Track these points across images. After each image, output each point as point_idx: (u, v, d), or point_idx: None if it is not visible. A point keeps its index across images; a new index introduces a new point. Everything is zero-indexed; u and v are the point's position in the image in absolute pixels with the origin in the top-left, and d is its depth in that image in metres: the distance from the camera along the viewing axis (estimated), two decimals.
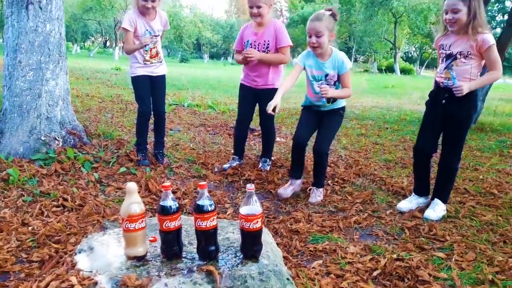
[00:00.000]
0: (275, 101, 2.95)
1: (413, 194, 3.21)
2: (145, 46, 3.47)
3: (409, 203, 3.12)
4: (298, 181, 3.34)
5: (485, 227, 2.82)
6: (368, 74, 31.97)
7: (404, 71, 36.46)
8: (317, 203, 3.15)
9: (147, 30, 3.50)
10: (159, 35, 3.61)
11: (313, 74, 3.11)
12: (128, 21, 3.44)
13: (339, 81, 3.11)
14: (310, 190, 3.30)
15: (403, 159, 4.64)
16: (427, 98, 3.07)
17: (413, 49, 48.60)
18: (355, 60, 49.38)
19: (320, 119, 3.24)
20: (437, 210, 2.97)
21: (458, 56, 2.74)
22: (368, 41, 36.30)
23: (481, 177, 4.07)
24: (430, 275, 2.13)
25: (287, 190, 3.26)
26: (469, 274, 2.16)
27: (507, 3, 36.24)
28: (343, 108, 3.27)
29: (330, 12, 2.95)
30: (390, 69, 36.19)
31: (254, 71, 3.58)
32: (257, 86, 3.60)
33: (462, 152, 5.09)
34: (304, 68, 3.13)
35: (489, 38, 2.64)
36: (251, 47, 3.50)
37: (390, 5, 30.96)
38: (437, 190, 3.09)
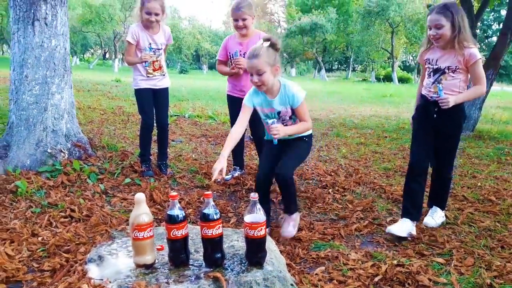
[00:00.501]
0: (220, 164, 2.46)
1: (403, 218, 2.83)
2: (145, 62, 3.59)
3: (397, 227, 2.76)
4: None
5: (484, 233, 2.89)
6: (366, 83, 32.17)
7: (402, 80, 36.67)
8: (289, 236, 2.68)
9: (149, 43, 3.59)
10: (161, 48, 3.70)
11: (264, 113, 2.73)
12: (131, 34, 3.56)
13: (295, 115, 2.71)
14: (282, 218, 2.86)
15: (403, 168, 4.71)
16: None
17: (411, 58, 48.95)
18: (353, 70, 49.72)
19: (284, 147, 2.76)
20: (436, 217, 3.00)
21: (447, 70, 2.73)
22: (365, 51, 36.57)
23: (479, 184, 4.14)
24: (430, 280, 2.19)
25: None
26: (468, 279, 2.22)
27: (503, 12, 36.58)
28: (309, 136, 2.83)
29: (269, 42, 2.54)
30: (388, 78, 36.39)
31: (240, 81, 3.62)
32: (243, 96, 3.56)
33: (461, 160, 5.18)
34: (255, 108, 2.74)
35: (475, 52, 2.64)
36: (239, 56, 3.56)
37: (387, 15, 31.31)
38: (433, 198, 3.12)
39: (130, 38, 3.56)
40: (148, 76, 3.66)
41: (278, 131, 2.51)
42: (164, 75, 3.76)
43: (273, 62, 2.52)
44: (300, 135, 2.77)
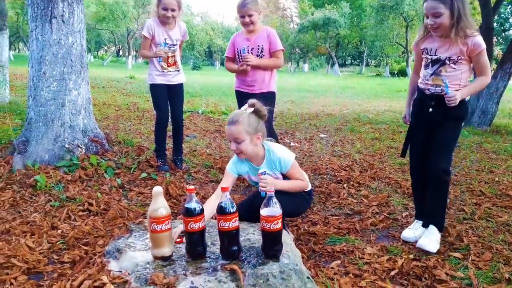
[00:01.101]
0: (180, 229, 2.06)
1: (415, 221, 2.76)
2: (159, 57, 3.62)
3: (414, 233, 2.66)
4: None
5: (501, 228, 2.85)
6: (380, 78, 31.85)
7: None
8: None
9: (165, 39, 3.62)
10: (176, 44, 3.72)
11: (252, 180, 2.47)
12: (147, 28, 3.61)
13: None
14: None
15: None
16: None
17: None
18: (367, 65, 49.26)
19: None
20: (433, 239, 2.50)
21: (447, 61, 2.47)
22: (379, 45, 36.18)
23: (496, 179, 4.08)
24: (447, 274, 2.18)
25: None
26: (486, 273, 2.20)
27: None
28: (308, 192, 2.49)
29: (252, 109, 2.27)
30: (402, 73, 35.96)
31: (249, 77, 3.57)
32: (253, 91, 3.55)
33: (478, 155, 5.11)
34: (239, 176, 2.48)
35: (480, 41, 2.39)
36: (247, 52, 3.53)
37: (401, 9, 30.87)
38: (428, 211, 2.63)
39: (146, 32, 3.61)
40: (163, 71, 3.69)
41: (267, 183, 2.20)
42: (178, 70, 3.79)
43: (254, 130, 2.26)
44: None
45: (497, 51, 28.32)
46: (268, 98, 3.49)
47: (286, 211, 1.99)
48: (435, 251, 2.44)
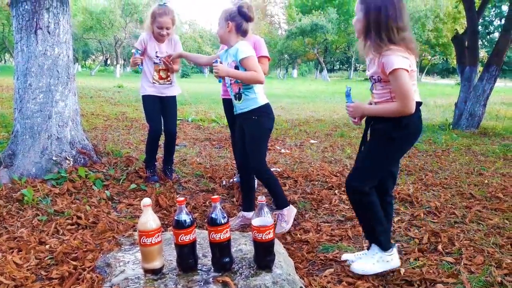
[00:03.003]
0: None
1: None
2: (136, 65, 3.57)
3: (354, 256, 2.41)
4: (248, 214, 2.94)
5: (492, 230, 2.86)
6: (369, 83, 32.03)
7: None
8: (281, 233, 2.79)
9: (156, 52, 3.60)
10: (160, 57, 3.61)
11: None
12: (140, 41, 3.61)
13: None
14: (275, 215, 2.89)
15: (408, 167, 4.69)
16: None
17: None
18: (355, 69, 49.65)
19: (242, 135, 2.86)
20: (368, 262, 2.23)
21: (371, 80, 2.15)
22: None
23: (486, 181, 4.11)
24: (440, 279, 2.17)
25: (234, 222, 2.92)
26: (478, 277, 2.20)
27: (504, 8, 36.45)
28: (258, 112, 2.75)
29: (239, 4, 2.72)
30: None
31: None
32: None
33: (466, 157, 5.15)
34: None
35: (392, 60, 1.93)
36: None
37: None
38: (363, 229, 2.39)
39: (138, 44, 3.62)
40: (154, 83, 3.66)
41: (218, 69, 2.67)
42: (170, 83, 3.72)
43: (229, 18, 2.73)
44: (245, 110, 2.77)
45: (483, 53, 28.76)
46: None
47: (260, 156, 2.80)
48: (371, 272, 2.21)
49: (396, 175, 2.39)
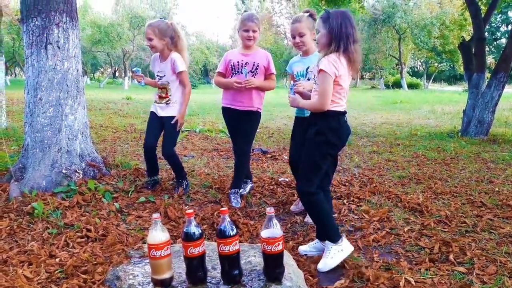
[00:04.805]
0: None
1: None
2: (138, 82, 3.73)
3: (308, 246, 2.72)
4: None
5: (504, 239, 2.83)
6: (376, 91, 32.08)
7: (411, 86, 36.50)
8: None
9: (158, 71, 3.67)
10: (165, 76, 3.62)
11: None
12: (151, 61, 3.77)
13: None
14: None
15: (417, 175, 4.65)
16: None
17: (419, 63, 48.67)
18: (361, 78, 49.59)
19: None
20: (328, 257, 2.44)
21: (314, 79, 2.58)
22: (373, 58, 36.49)
23: (496, 189, 4.07)
24: None
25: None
26: None
27: (510, 14, 36.37)
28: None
29: (308, 13, 3.13)
30: (397, 85, 36.25)
31: (240, 91, 3.47)
32: (241, 107, 3.52)
33: (476, 165, 5.10)
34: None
35: (324, 63, 2.33)
36: (237, 66, 3.47)
37: (393, 22, 31.30)
38: (317, 228, 2.68)
39: (151, 64, 3.81)
40: (155, 102, 3.72)
41: (299, 87, 2.81)
42: (168, 104, 3.64)
43: (312, 28, 3.08)
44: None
45: (490, 60, 28.61)
46: (253, 116, 3.56)
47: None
48: (334, 265, 2.41)
49: (330, 174, 2.77)
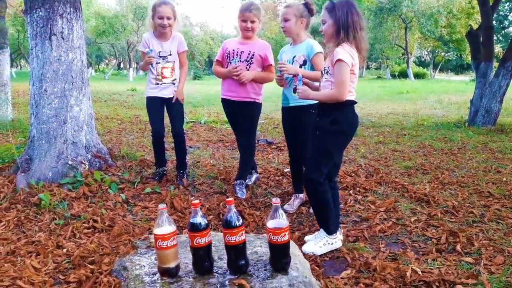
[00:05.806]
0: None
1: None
2: (150, 63, 3.56)
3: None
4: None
5: None
6: (382, 81, 31.84)
7: (418, 76, 36.14)
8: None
9: (159, 51, 3.59)
10: (171, 55, 3.63)
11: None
12: (143, 42, 3.63)
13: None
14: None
15: (424, 165, 4.62)
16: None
17: (426, 53, 48.20)
18: (367, 67, 49.26)
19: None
20: (318, 243, 2.53)
21: (323, 72, 2.52)
22: (379, 48, 36.13)
23: (504, 179, 4.03)
24: (459, 280, 2.13)
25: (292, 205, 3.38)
26: (498, 278, 2.15)
27: None
28: (314, 105, 2.82)
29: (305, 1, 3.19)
30: (403, 75, 35.91)
31: (234, 82, 3.43)
32: (236, 97, 3.47)
33: (483, 155, 5.06)
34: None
35: (339, 52, 2.31)
36: (233, 55, 3.43)
37: (399, 11, 30.89)
38: (317, 216, 2.69)
39: (141, 46, 3.65)
40: (157, 84, 3.63)
41: (285, 67, 3.07)
42: (174, 83, 3.68)
43: (299, 15, 3.15)
44: (307, 109, 3.13)
45: (497, 48, 28.27)
46: (250, 107, 3.48)
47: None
48: (319, 253, 2.50)
49: (339, 164, 2.75)
